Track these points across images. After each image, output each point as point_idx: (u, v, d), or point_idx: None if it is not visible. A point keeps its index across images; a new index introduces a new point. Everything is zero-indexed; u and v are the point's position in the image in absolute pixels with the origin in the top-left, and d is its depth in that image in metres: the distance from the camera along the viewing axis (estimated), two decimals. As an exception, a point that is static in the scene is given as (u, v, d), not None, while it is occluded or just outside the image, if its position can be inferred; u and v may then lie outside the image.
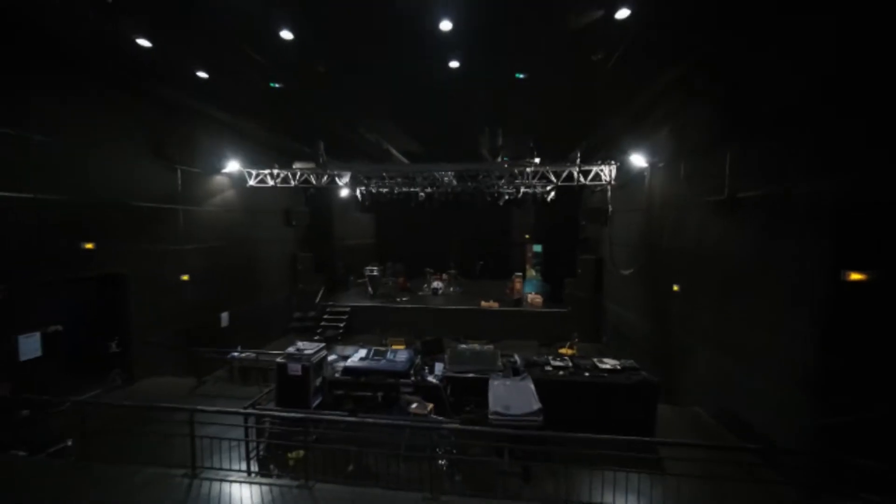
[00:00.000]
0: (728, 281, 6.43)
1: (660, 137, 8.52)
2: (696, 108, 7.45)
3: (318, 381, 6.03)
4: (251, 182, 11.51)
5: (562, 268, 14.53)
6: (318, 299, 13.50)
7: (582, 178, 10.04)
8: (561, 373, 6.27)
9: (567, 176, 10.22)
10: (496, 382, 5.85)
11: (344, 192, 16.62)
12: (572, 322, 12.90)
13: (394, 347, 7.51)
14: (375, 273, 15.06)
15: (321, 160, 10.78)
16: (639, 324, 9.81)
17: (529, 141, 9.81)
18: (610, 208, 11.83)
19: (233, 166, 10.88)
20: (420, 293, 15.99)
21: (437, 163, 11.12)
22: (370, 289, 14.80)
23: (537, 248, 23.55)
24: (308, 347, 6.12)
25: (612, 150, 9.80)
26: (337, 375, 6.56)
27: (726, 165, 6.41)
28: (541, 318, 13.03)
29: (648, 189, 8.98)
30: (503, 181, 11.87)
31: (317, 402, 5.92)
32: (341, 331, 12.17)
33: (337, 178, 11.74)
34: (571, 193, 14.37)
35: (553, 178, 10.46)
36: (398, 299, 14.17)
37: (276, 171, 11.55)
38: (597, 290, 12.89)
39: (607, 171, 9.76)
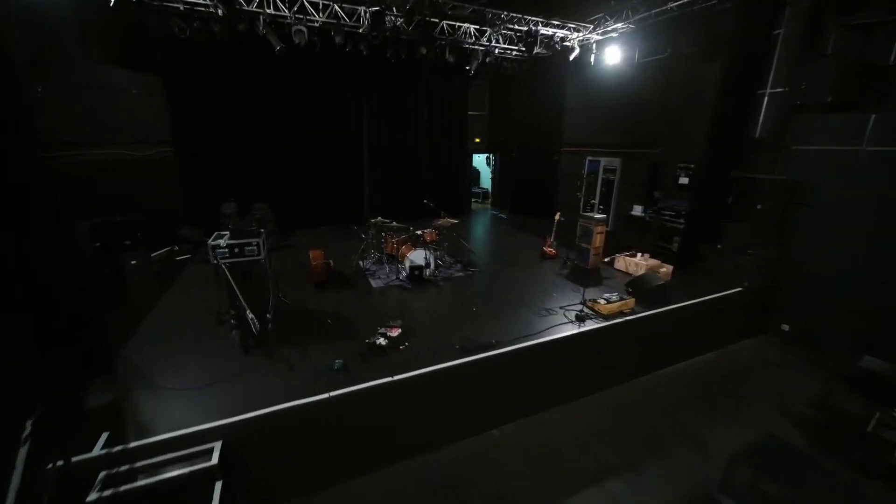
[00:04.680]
0: None
1: None
2: None
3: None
4: None
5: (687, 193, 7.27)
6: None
7: None
8: None
9: None
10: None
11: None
12: (749, 310, 6.42)
13: None
14: (261, 241, 4.49)
15: None
16: None
17: None
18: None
19: None
20: (379, 285, 6.28)
21: None
22: (253, 323, 4.29)
23: (482, 161, 14.19)
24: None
25: None
26: None
27: None
28: (702, 316, 5.96)
29: None
30: None
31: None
32: None
33: None
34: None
35: None
36: (392, 345, 4.37)
37: None
38: (780, 243, 6.52)
39: None
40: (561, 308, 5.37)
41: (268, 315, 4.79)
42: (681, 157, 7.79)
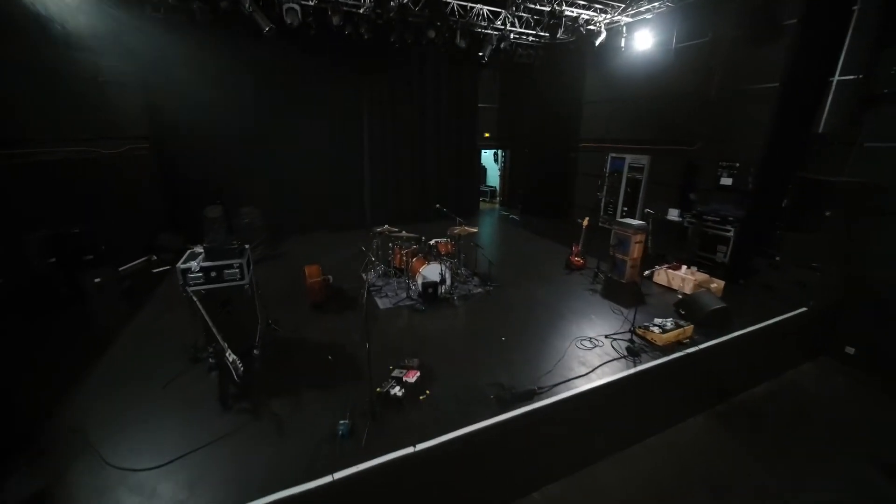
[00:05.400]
0: None
1: None
2: None
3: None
4: None
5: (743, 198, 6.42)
6: None
7: None
8: None
9: None
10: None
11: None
12: (809, 331, 5.59)
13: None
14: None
15: None
16: None
17: None
18: None
19: None
20: (386, 305, 5.37)
21: None
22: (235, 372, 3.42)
23: (489, 157, 13.15)
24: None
25: None
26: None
27: None
28: (764, 341, 5.13)
29: None
30: None
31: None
32: None
33: None
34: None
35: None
36: (409, 393, 3.54)
37: None
38: (851, 254, 5.68)
39: None
40: (607, 337, 4.52)
41: (254, 351, 3.92)
42: (722, 154, 6.96)
